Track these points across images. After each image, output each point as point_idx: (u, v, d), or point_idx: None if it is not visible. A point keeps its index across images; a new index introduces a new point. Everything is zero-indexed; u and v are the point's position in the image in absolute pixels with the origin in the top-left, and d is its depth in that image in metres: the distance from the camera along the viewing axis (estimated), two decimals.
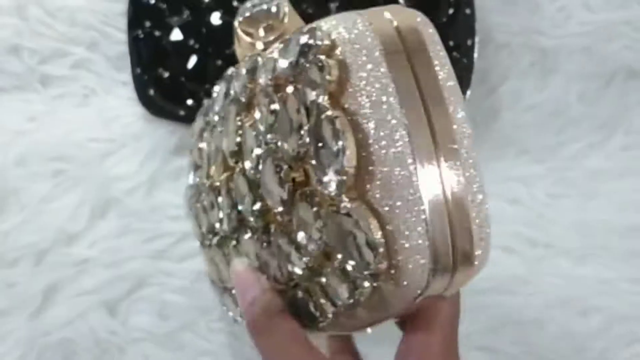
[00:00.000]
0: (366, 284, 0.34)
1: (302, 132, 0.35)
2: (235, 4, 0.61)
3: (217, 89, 0.47)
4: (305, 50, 0.36)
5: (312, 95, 0.35)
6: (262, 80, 0.39)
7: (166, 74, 0.61)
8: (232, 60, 0.60)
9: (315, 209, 0.36)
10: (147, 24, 0.62)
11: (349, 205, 0.33)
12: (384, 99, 0.32)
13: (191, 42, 0.61)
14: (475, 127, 0.63)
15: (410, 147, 0.32)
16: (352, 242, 0.34)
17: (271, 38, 0.43)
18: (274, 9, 0.40)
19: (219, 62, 0.61)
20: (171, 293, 0.60)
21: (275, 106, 0.38)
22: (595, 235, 0.64)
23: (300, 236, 0.37)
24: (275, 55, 0.38)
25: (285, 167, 0.37)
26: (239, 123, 0.42)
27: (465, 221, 0.33)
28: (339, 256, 0.35)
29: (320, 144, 0.34)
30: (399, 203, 0.32)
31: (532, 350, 0.61)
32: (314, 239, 0.36)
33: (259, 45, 0.43)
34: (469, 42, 0.62)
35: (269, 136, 0.38)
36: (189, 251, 0.61)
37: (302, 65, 0.36)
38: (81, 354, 0.59)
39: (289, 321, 0.39)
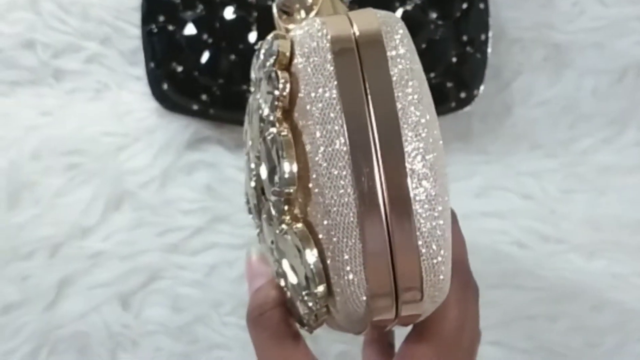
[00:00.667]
0: (311, 304, 0.33)
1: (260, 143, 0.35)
2: None
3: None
4: (265, 58, 0.35)
5: (264, 107, 0.34)
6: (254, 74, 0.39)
7: (180, 69, 0.61)
8: (246, 55, 0.60)
9: (270, 224, 0.35)
10: (161, 18, 0.62)
11: (285, 227, 0.33)
12: (332, 115, 0.31)
13: (205, 36, 0.61)
14: (487, 122, 0.65)
15: (351, 172, 0.30)
16: (293, 262, 0.34)
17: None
18: None
19: (233, 57, 0.61)
20: (184, 286, 0.61)
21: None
22: (607, 230, 0.64)
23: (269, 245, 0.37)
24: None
25: (254, 175, 0.37)
26: None
27: (411, 252, 0.31)
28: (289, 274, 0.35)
29: (269, 159, 0.34)
30: (335, 229, 0.31)
31: (545, 345, 0.61)
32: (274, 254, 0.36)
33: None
34: (483, 37, 0.62)
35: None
36: (202, 245, 0.62)
37: (262, 74, 0.35)
38: (95, 347, 0.59)
39: (282, 316, 0.38)
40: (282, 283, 0.37)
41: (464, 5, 0.62)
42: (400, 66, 0.32)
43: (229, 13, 0.61)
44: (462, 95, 0.62)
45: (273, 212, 0.34)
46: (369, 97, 0.31)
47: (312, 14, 0.38)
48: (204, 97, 0.61)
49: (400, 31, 0.33)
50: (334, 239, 0.31)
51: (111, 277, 0.60)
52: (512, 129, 0.65)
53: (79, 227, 0.61)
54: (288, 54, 0.33)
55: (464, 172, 0.64)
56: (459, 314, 0.37)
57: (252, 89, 0.42)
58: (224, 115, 0.62)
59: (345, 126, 0.31)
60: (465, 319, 0.38)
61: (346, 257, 0.31)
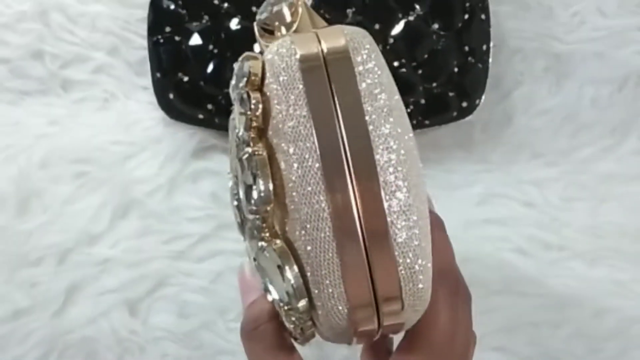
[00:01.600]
0: (294, 319, 0.34)
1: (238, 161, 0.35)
2: (254, 9, 0.62)
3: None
4: (237, 79, 0.35)
5: (239, 127, 0.34)
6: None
7: (186, 79, 0.62)
8: None
9: (253, 240, 0.36)
10: (167, 29, 0.63)
11: (264, 243, 0.33)
12: (304, 133, 0.32)
13: (210, 47, 0.62)
14: (489, 131, 0.66)
15: (325, 187, 0.31)
16: (274, 278, 0.34)
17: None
18: (285, 9, 0.39)
19: None
20: (191, 293, 0.61)
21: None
22: (608, 238, 0.64)
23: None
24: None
25: (235, 192, 0.37)
26: None
27: (388, 262, 0.32)
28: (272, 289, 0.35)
29: (245, 178, 0.34)
30: (312, 244, 0.32)
31: (547, 351, 0.61)
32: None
33: None
34: (484, 47, 0.63)
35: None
36: (208, 252, 0.62)
37: (235, 94, 0.35)
38: (102, 353, 0.60)
39: (276, 329, 0.38)
40: (269, 298, 0.37)
41: (466, 16, 0.63)
42: (368, 80, 0.33)
43: (234, 24, 0.62)
44: (464, 104, 0.63)
45: (252, 230, 0.34)
46: (339, 112, 0.32)
47: (292, 30, 0.39)
48: (209, 106, 0.62)
49: (368, 46, 0.34)
50: (312, 254, 0.32)
51: (119, 283, 0.61)
52: (513, 138, 0.66)
53: (87, 234, 0.61)
54: (260, 74, 0.34)
55: (465, 180, 0.65)
56: (449, 321, 0.38)
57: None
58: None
59: (317, 143, 0.31)
60: (457, 325, 0.38)
61: (324, 271, 0.31)
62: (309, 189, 0.31)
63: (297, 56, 0.33)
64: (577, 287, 0.63)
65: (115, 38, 0.65)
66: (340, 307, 0.32)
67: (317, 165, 0.31)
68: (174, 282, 0.61)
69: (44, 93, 0.65)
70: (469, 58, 0.63)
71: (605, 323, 0.62)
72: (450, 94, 0.62)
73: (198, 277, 0.62)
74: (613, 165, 0.66)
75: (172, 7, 0.62)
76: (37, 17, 0.65)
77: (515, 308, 0.62)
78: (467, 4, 0.63)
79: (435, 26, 0.62)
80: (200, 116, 0.62)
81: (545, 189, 0.65)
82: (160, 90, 0.63)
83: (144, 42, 0.64)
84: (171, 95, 0.62)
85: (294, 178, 0.32)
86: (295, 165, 0.32)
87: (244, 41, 0.61)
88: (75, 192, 0.62)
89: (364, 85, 0.33)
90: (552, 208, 0.65)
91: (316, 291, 0.32)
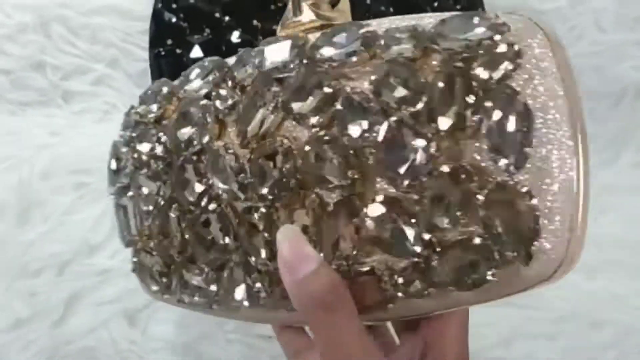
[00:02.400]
0: (509, 253, 0.35)
1: (464, 107, 0.35)
2: (254, 23, 0.62)
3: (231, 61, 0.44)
4: (490, 34, 0.35)
5: (488, 73, 0.35)
6: (399, 48, 0.37)
7: None
8: None
9: (473, 186, 0.35)
10: (169, 41, 0.63)
11: (524, 189, 0.34)
12: (551, 104, 0.34)
13: None
14: None
15: (574, 163, 0.35)
16: (516, 224, 0.35)
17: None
18: None
19: None
20: None
21: (421, 77, 0.36)
22: (606, 250, 0.64)
23: (440, 219, 0.35)
24: (432, 23, 0.37)
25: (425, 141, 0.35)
26: (327, 89, 0.38)
27: (584, 215, 0.36)
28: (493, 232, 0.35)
29: (498, 125, 0.34)
30: (556, 191, 0.34)
31: None
32: (457, 220, 0.35)
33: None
34: None
35: (401, 106, 0.36)
36: None
37: (486, 46, 0.35)
38: None
39: (351, 300, 0.37)
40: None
41: None
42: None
43: (235, 37, 0.62)
44: None
45: (508, 174, 0.35)
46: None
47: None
48: None
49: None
50: (551, 197, 0.34)
51: (118, 294, 0.61)
52: None
53: (87, 245, 0.62)
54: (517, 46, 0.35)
55: None
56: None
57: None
58: None
59: (567, 113, 0.35)
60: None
61: (555, 217, 0.34)
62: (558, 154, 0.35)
63: (540, 35, 0.35)
64: (574, 300, 0.63)
65: (116, 50, 0.66)
66: (556, 254, 0.34)
67: (566, 123, 0.35)
68: None
69: (44, 104, 0.66)
70: None
71: (602, 336, 0.62)
72: None
73: None
74: (611, 178, 0.66)
75: (174, 20, 0.63)
76: (38, 29, 0.66)
77: (510, 320, 0.62)
78: None
79: None
80: None
81: None
82: None
83: (144, 54, 0.64)
84: None
85: (545, 130, 0.34)
86: (547, 124, 0.34)
87: None
88: (75, 203, 0.63)
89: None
90: None
91: (543, 232, 0.34)
